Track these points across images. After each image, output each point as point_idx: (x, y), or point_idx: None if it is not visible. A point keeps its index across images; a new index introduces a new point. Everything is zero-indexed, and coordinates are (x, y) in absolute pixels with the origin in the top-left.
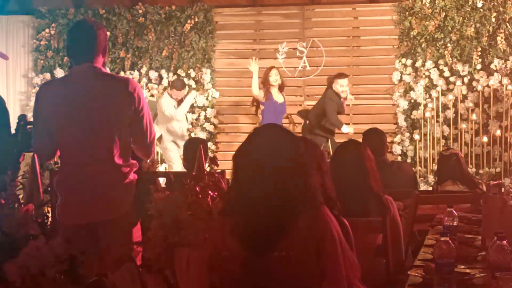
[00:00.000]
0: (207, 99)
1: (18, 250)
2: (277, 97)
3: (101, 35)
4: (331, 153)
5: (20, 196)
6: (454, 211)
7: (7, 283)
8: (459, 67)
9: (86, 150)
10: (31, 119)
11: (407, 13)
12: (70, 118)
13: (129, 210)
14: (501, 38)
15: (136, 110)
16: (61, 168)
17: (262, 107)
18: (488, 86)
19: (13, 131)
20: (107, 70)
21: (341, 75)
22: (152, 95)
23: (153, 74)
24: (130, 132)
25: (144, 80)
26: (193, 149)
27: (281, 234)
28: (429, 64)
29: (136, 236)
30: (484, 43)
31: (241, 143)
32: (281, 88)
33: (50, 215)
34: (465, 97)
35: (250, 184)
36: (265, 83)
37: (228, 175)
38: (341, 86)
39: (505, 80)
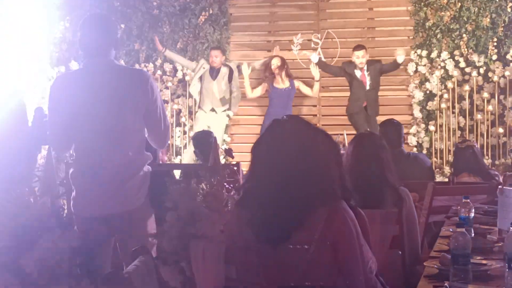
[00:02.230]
0: None
1: (34, 243)
2: (281, 84)
3: (113, 28)
4: (346, 144)
5: (36, 189)
6: (470, 202)
7: (24, 276)
8: (474, 57)
9: (101, 143)
10: (47, 112)
11: (422, 3)
12: (85, 110)
13: (144, 202)
14: None
15: (150, 101)
16: (76, 161)
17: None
18: (504, 76)
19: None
20: (120, 63)
21: (357, 47)
22: (167, 87)
23: (167, 67)
24: (145, 122)
25: (159, 72)
26: (206, 142)
27: (298, 226)
28: (445, 55)
29: (151, 228)
30: (500, 34)
31: (259, 135)
32: (287, 74)
33: (65, 207)
34: (480, 88)
35: (268, 176)
36: (266, 74)
37: (243, 167)
38: (357, 57)
39: None
